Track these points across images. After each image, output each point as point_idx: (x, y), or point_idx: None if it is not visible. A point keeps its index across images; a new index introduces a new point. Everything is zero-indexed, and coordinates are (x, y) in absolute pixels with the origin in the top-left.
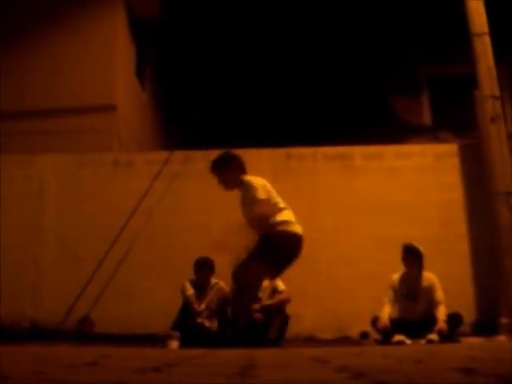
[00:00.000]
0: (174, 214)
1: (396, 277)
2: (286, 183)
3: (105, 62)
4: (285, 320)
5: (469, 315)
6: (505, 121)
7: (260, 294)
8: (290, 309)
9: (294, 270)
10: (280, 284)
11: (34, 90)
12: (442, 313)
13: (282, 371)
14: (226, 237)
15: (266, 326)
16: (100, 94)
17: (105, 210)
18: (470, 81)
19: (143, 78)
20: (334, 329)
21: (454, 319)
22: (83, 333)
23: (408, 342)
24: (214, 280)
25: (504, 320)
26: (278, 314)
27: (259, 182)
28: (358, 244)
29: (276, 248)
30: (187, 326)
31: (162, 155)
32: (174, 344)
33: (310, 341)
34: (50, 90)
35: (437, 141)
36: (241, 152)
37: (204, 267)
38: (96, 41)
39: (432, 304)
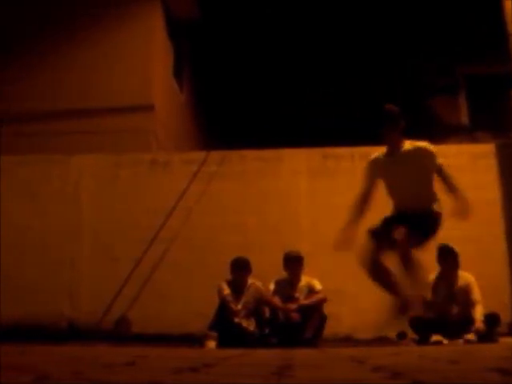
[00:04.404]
0: (212, 214)
1: (432, 277)
2: (323, 183)
3: (143, 61)
4: (322, 320)
5: (506, 315)
6: None
7: (297, 294)
8: (327, 309)
9: (331, 270)
10: (317, 284)
11: (72, 89)
12: (479, 313)
13: (318, 371)
14: (263, 237)
15: (303, 326)
16: (138, 94)
17: (142, 210)
18: (507, 80)
19: (181, 78)
20: (372, 329)
21: (491, 319)
22: (120, 333)
23: (445, 342)
24: (250, 280)
25: None
26: (314, 313)
27: None
28: None
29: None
30: (224, 326)
31: (200, 155)
32: (212, 344)
33: (348, 341)
34: (88, 90)
35: (474, 141)
36: (278, 152)
37: (240, 267)
38: (134, 41)
39: (469, 304)
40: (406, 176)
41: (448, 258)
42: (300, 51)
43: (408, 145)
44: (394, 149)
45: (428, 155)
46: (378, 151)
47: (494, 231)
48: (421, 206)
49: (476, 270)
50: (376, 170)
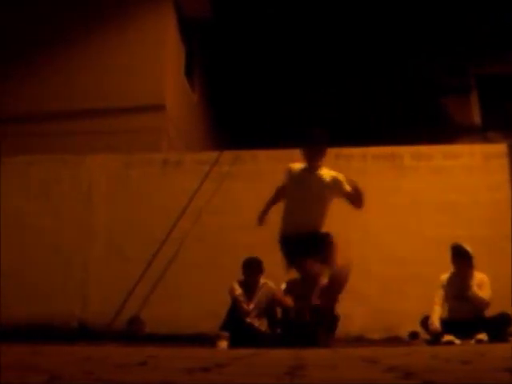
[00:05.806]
0: (224, 213)
1: (446, 277)
2: None
3: (154, 61)
4: (334, 320)
5: None
6: None
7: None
8: (339, 309)
9: None
10: None
11: (84, 89)
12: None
13: (330, 371)
14: (275, 237)
15: (315, 326)
16: (149, 94)
17: (154, 210)
18: None
19: (192, 78)
20: (383, 329)
21: (502, 319)
22: (132, 333)
23: (457, 342)
24: (262, 280)
25: None
26: (326, 313)
27: None
28: (406, 244)
29: None
30: (236, 326)
31: (211, 155)
32: (223, 344)
33: (360, 341)
34: (100, 90)
35: (486, 141)
36: (290, 152)
37: (252, 267)
38: (146, 40)
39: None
40: (312, 196)
41: (462, 258)
42: (313, 50)
43: (325, 170)
44: (313, 168)
45: (338, 187)
46: (299, 163)
47: (505, 231)
48: (314, 227)
49: (486, 270)
50: (290, 179)
